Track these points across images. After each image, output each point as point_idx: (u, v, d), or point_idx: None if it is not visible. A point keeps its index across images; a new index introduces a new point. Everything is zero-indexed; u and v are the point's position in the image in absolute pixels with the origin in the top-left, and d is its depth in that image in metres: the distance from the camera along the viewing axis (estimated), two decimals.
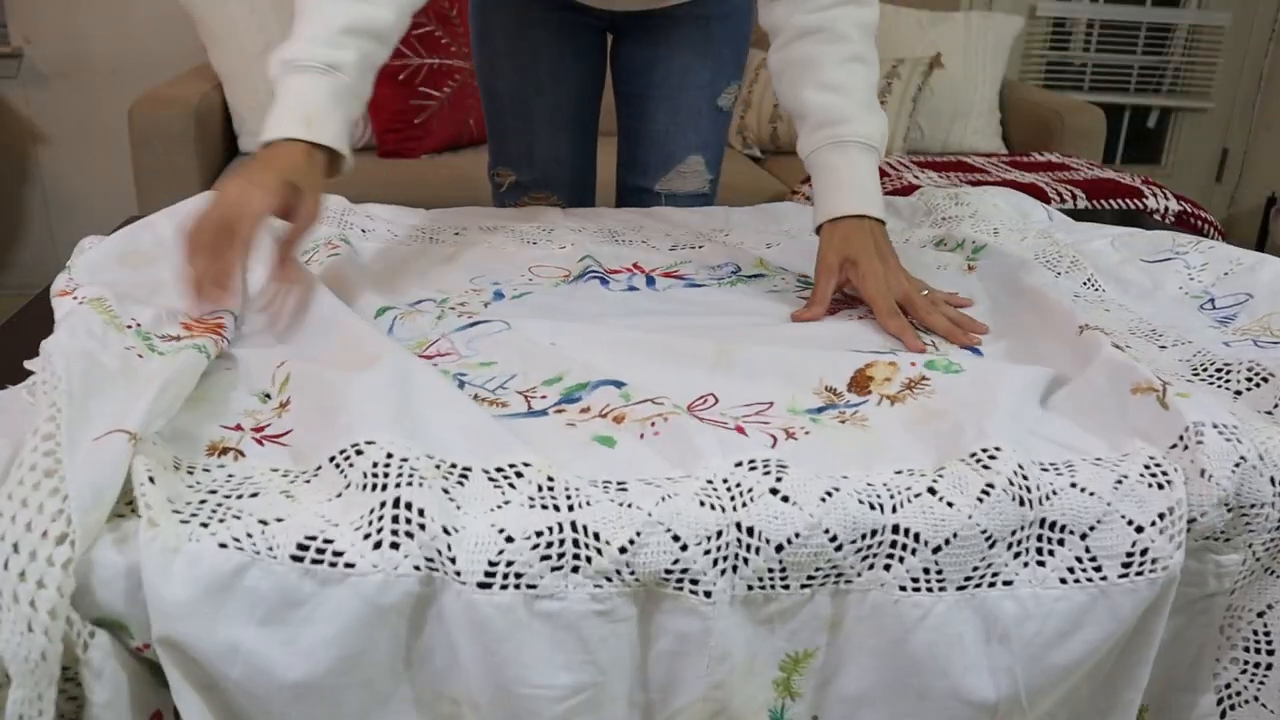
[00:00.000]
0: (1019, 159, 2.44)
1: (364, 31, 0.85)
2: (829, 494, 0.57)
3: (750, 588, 0.56)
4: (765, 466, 0.58)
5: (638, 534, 0.54)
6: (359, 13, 0.84)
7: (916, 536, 0.57)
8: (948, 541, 0.57)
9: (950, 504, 0.57)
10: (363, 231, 1.06)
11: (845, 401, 0.70)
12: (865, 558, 0.57)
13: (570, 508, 0.54)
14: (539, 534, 0.53)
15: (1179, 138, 3.48)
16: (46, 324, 0.87)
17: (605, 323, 0.84)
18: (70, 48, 2.61)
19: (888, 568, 0.57)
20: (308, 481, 0.56)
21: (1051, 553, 0.59)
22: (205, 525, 0.51)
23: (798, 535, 0.55)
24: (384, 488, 0.53)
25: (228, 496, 0.55)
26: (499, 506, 0.54)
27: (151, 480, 0.52)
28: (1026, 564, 0.59)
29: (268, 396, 0.68)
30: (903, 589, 0.57)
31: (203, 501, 0.54)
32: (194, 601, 0.49)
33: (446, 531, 0.52)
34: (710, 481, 0.57)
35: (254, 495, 0.55)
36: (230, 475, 0.57)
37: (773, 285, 0.98)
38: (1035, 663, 0.59)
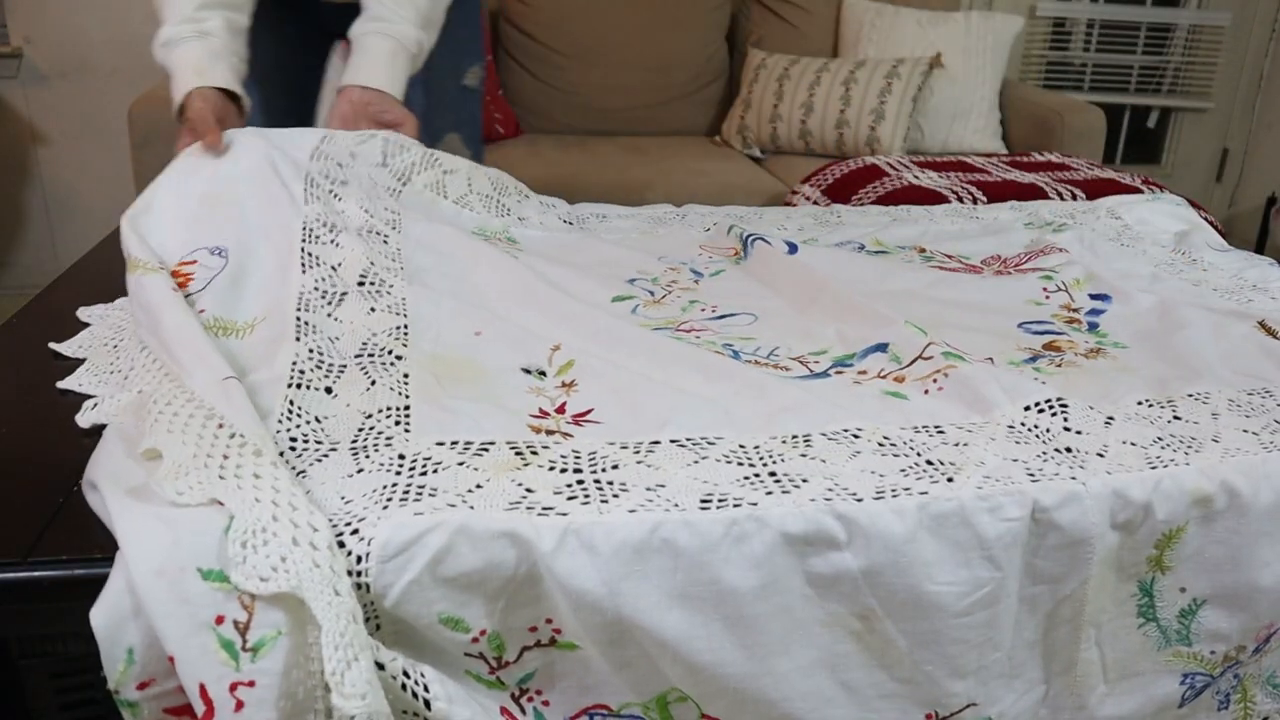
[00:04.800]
0: (1019, 159, 2.43)
1: (219, 4, 1.04)
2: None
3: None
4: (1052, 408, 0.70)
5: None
6: None
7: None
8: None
9: None
10: (519, 220, 1.12)
11: (1045, 358, 0.81)
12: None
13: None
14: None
15: (1179, 138, 3.48)
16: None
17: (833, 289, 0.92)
18: (70, 48, 2.61)
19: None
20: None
21: None
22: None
23: None
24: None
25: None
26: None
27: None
28: None
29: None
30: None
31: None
32: (622, 563, 0.56)
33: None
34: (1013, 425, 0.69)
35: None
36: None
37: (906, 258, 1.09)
38: None
